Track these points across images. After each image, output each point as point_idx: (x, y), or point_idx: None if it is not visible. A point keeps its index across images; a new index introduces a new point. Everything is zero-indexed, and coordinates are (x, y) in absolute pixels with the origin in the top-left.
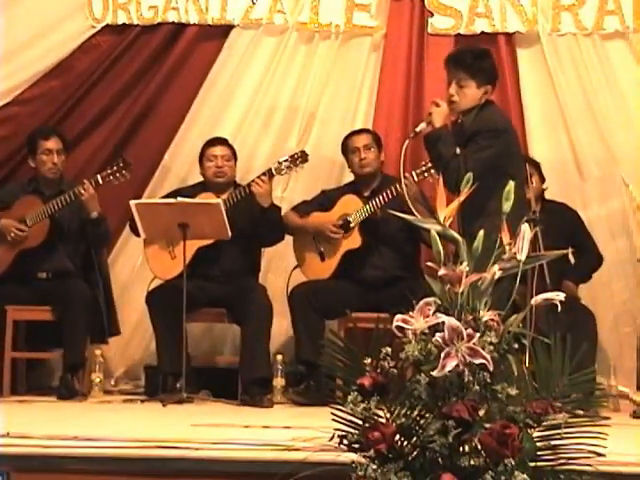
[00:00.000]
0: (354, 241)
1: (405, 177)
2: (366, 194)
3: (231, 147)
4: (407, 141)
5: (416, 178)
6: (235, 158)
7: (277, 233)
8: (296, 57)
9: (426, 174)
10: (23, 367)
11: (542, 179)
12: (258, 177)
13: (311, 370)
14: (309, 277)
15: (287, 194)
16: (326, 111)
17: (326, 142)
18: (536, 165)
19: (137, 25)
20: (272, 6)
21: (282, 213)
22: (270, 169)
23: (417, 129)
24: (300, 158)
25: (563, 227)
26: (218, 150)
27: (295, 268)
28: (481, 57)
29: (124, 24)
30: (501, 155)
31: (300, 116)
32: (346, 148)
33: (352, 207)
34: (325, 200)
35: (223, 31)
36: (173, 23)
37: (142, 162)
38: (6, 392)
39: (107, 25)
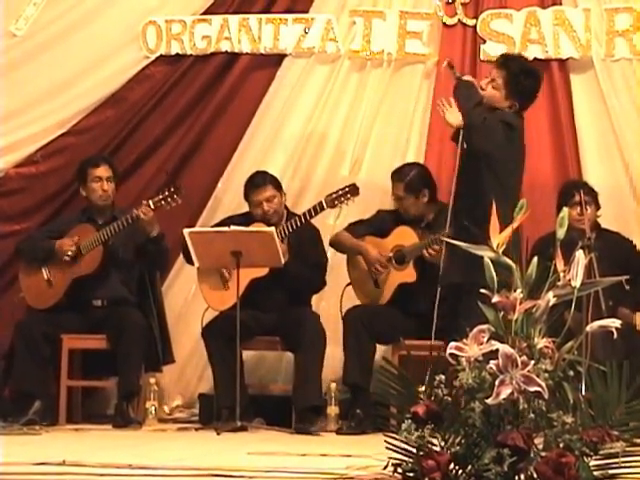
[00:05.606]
0: (409, 275)
1: None
2: (422, 225)
3: (273, 182)
4: (456, 171)
5: None
6: (281, 190)
7: (316, 287)
8: (348, 85)
9: None
10: (78, 395)
11: (597, 207)
12: (303, 213)
13: (357, 393)
14: (362, 299)
15: (340, 221)
16: (378, 139)
17: (379, 170)
18: (593, 194)
19: (190, 55)
20: (324, 34)
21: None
22: (321, 202)
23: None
24: (351, 192)
25: (618, 256)
26: (262, 194)
27: (348, 285)
28: (527, 75)
29: (177, 54)
30: (504, 144)
31: (352, 144)
32: None
33: (407, 239)
34: (380, 223)
35: (275, 60)
36: (226, 53)
37: (195, 191)
38: (62, 420)
39: (161, 55)
